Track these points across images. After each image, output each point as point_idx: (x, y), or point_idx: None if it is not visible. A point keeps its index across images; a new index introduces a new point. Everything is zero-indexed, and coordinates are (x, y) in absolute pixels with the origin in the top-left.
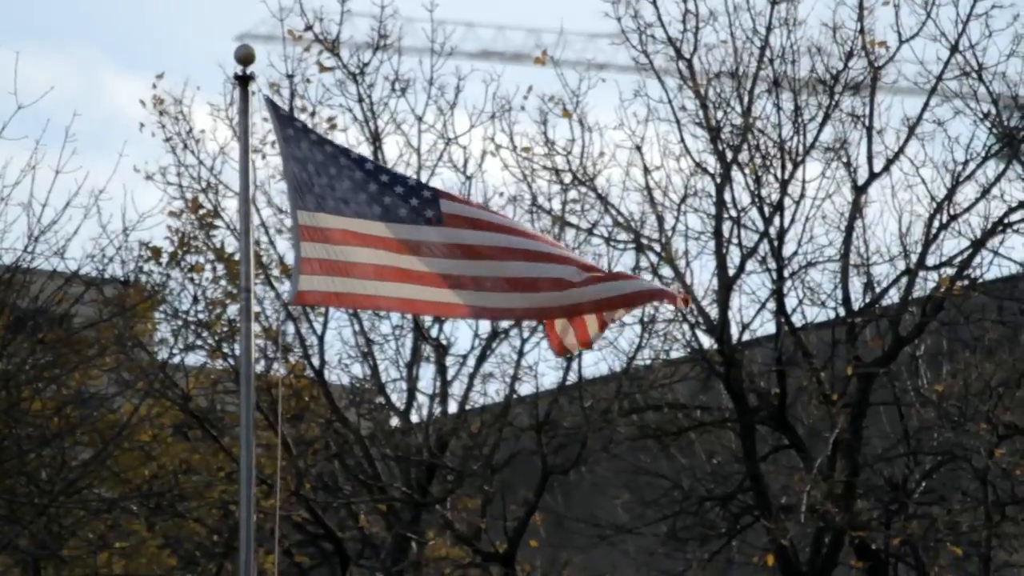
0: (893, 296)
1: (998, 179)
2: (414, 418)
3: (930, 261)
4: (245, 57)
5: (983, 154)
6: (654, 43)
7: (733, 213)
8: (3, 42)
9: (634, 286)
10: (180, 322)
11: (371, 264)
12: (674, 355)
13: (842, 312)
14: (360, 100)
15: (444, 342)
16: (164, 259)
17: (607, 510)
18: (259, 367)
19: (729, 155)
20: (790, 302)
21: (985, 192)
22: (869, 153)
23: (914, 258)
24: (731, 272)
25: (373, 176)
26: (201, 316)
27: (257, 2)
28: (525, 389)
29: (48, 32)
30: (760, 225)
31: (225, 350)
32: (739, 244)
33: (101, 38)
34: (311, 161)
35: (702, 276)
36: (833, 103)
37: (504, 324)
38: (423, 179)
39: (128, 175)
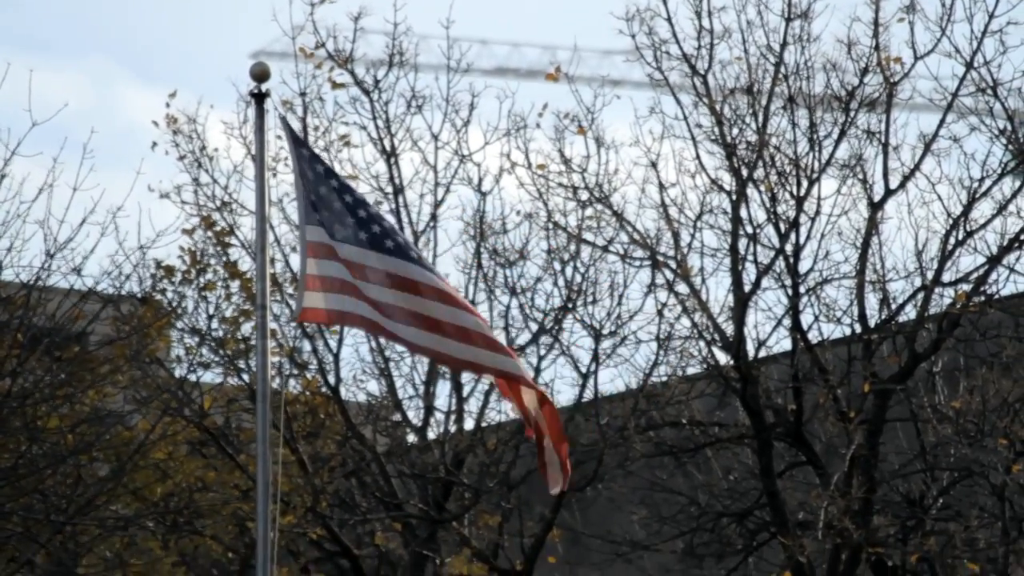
0: (909, 312)
1: (1014, 196)
2: (431, 435)
3: (946, 277)
4: (260, 74)
5: (999, 171)
6: (669, 60)
7: (749, 230)
8: (17, 55)
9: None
10: (196, 339)
11: (370, 297)
12: (690, 372)
13: (858, 329)
14: (374, 118)
15: None
16: (177, 278)
17: (624, 527)
18: (274, 384)
19: (744, 172)
20: (806, 319)
21: (1001, 209)
22: (885, 170)
23: (930, 274)
24: (747, 289)
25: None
26: (216, 333)
27: (271, 20)
28: None
29: (62, 44)
30: (776, 242)
31: (241, 367)
32: (755, 261)
33: (116, 50)
34: (323, 184)
35: (718, 293)
36: (849, 120)
37: (521, 343)
38: (439, 195)
39: (144, 191)
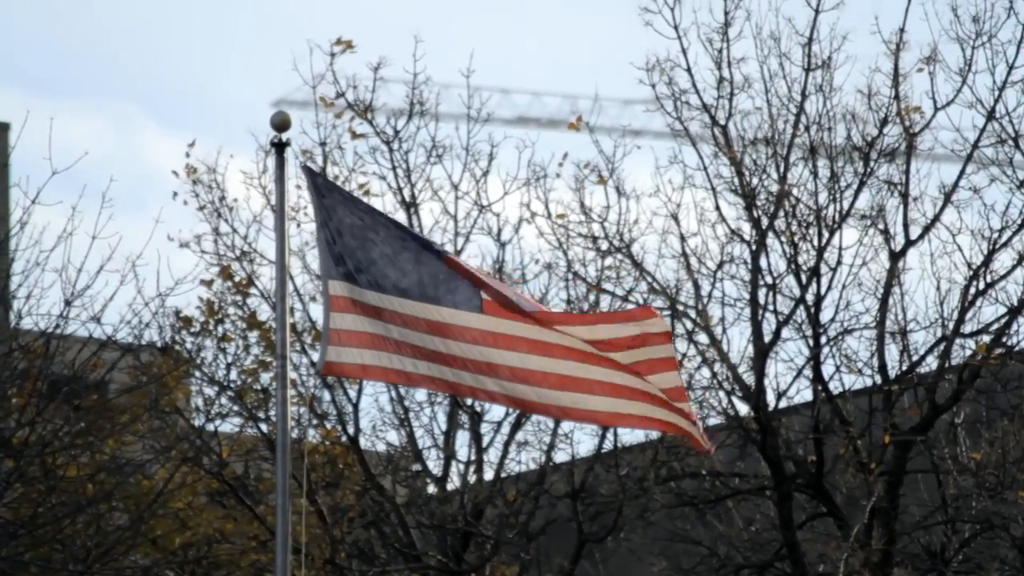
0: (930, 363)
1: None
2: (451, 486)
3: (967, 328)
4: (281, 123)
5: (1019, 221)
6: (689, 109)
7: (769, 280)
8: (38, 99)
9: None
10: (215, 389)
11: (400, 341)
12: (710, 423)
13: (879, 380)
14: (394, 167)
15: (479, 410)
16: (195, 328)
17: None
18: (294, 434)
19: (765, 222)
20: (827, 369)
21: (1022, 259)
22: (905, 220)
23: (951, 325)
24: (767, 339)
25: (409, 245)
26: (235, 383)
27: (291, 69)
28: (561, 457)
29: (83, 89)
30: (796, 292)
31: (259, 416)
32: (775, 311)
33: (137, 95)
34: (348, 231)
35: (739, 343)
36: (869, 170)
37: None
38: (459, 245)
39: (163, 238)
